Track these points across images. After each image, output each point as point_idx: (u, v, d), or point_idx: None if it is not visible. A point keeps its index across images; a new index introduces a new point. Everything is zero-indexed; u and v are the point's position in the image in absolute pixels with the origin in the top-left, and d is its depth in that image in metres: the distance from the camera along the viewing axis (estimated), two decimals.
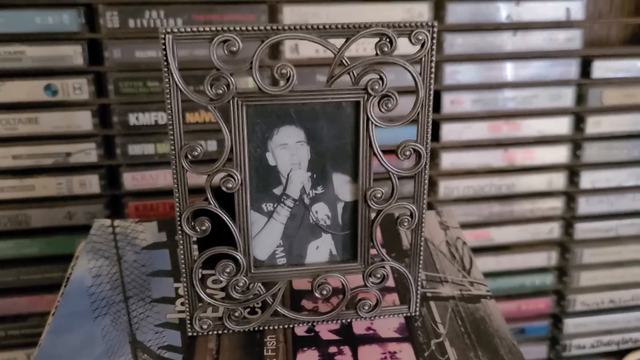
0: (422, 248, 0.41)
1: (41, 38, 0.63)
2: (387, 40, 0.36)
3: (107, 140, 0.67)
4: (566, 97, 0.74)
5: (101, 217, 0.68)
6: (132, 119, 0.66)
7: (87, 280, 0.46)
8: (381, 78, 0.37)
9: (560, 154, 0.76)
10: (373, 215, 0.40)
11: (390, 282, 0.46)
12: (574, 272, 0.82)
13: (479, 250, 0.80)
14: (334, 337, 0.41)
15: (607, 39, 0.82)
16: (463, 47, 0.70)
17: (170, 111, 0.36)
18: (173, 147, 0.37)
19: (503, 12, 0.69)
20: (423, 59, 0.37)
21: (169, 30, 0.35)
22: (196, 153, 0.37)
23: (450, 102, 0.72)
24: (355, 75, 0.37)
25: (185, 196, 0.38)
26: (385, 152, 0.39)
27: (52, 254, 0.69)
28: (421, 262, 0.41)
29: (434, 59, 0.37)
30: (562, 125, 0.75)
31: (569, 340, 0.85)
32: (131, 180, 0.68)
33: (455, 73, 0.71)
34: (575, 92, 0.74)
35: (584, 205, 0.79)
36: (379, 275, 0.41)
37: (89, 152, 0.66)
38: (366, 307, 0.42)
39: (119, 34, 0.63)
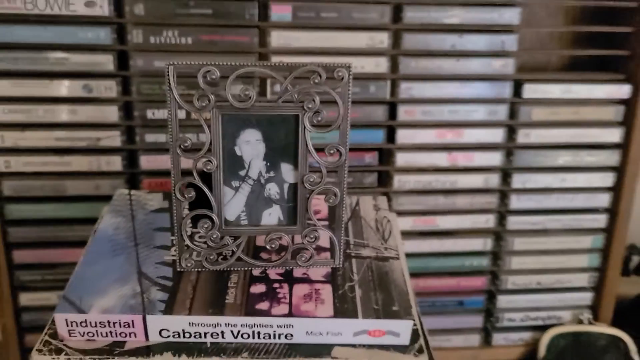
0: (342, 219, 0.58)
1: (81, 48, 0.80)
2: (318, 74, 0.53)
3: (129, 130, 0.85)
4: (501, 112, 0.90)
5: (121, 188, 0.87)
6: (149, 113, 0.83)
7: (110, 231, 0.64)
8: (313, 100, 0.54)
9: (495, 158, 0.91)
10: (308, 193, 0.57)
11: (327, 244, 0.63)
12: (506, 256, 0.97)
13: (427, 234, 0.96)
14: (279, 277, 0.58)
15: (548, 64, 0.98)
16: (416, 69, 0.86)
17: (169, 115, 0.54)
18: (171, 139, 0.54)
19: (449, 42, 0.86)
20: (342, 89, 0.54)
21: (171, 63, 0.52)
22: (187, 144, 0.54)
23: (404, 112, 0.88)
24: (297, 96, 0.54)
25: (179, 173, 0.56)
26: (319, 150, 0.56)
27: (81, 217, 0.87)
28: (342, 229, 0.58)
29: (350, 89, 0.54)
30: (497, 135, 0.91)
31: (501, 314, 1.01)
32: (146, 162, 0.85)
33: (409, 89, 0.87)
34: (509, 108, 0.90)
35: (515, 202, 0.95)
36: (312, 236, 0.58)
37: (114, 138, 0.84)
38: (303, 259, 0.59)
39: (142, 47, 0.81)
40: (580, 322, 1.00)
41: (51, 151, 0.83)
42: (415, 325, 0.54)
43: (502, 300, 0.99)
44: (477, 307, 1.00)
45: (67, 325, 0.53)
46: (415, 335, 0.54)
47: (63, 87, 0.81)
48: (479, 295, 0.99)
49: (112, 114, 0.82)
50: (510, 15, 0.85)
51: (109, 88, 0.81)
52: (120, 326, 0.53)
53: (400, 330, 0.54)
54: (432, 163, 0.90)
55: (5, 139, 0.81)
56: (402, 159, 0.90)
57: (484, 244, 0.96)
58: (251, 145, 0.55)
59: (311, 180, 0.56)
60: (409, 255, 0.92)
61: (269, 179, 0.57)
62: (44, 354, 0.52)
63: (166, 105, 0.53)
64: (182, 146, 0.54)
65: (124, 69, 0.81)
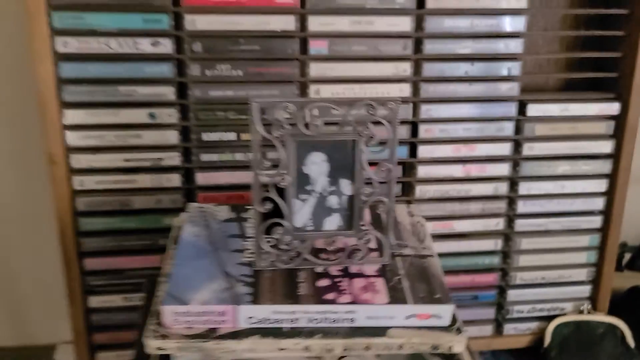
0: (391, 225, 0.70)
1: (147, 81, 0.91)
2: (372, 106, 0.66)
3: (186, 151, 0.96)
4: (508, 129, 1.02)
5: (179, 204, 0.98)
6: (204, 136, 0.95)
7: (191, 239, 0.75)
8: (368, 127, 0.66)
9: (503, 169, 1.03)
10: (362, 203, 0.69)
11: (374, 245, 0.75)
12: (514, 255, 1.08)
13: (444, 236, 1.07)
14: (338, 273, 0.70)
15: (547, 85, 1.11)
16: (434, 93, 0.98)
17: (253, 142, 0.66)
18: (254, 162, 0.66)
19: (462, 69, 0.98)
20: (391, 117, 0.66)
21: (256, 100, 0.64)
22: (266, 165, 0.66)
23: (425, 130, 1.00)
24: (355, 125, 0.66)
25: (259, 189, 0.67)
26: (373, 164, 0.68)
27: (144, 227, 0.97)
28: (391, 233, 0.71)
29: (398, 117, 0.66)
30: (505, 149, 1.02)
31: (511, 306, 1.11)
32: (201, 178, 0.97)
33: (429, 110, 0.99)
34: (515, 125, 1.02)
35: (522, 206, 1.06)
36: (365, 239, 0.71)
37: (174, 158, 0.95)
38: (357, 258, 0.71)
39: (199, 79, 0.93)
40: (581, 312, 1.12)
41: (119, 171, 0.95)
42: (454, 310, 0.67)
43: (512, 294, 1.11)
44: (490, 301, 1.12)
45: (172, 316, 0.64)
46: (454, 318, 0.67)
47: (131, 115, 0.92)
48: (491, 290, 1.11)
49: (172, 137, 0.94)
50: (515, 45, 0.98)
51: (170, 115, 0.93)
52: (215, 315, 0.65)
53: (443, 313, 0.66)
54: (449, 174, 1.03)
55: (81, 161, 0.93)
56: (422, 171, 1.02)
57: (495, 244, 1.08)
58: (317, 165, 0.68)
59: (365, 192, 0.69)
60: None
61: (330, 192, 0.69)
62: (154, 338, 0.64)
63: (251, 136, 0.65)
64: (262, 168, 0.66)
65: (183, 98, 0.93)
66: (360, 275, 0.70)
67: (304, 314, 0.65)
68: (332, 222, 0.71)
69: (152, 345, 0.63)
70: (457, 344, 0.65)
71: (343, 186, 0.69)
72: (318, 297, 0.66)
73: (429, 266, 0.72)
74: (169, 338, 0.64)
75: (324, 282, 0.68)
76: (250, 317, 0.65)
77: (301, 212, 0.69)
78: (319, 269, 0.71)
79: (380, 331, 0.65)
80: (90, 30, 0.87)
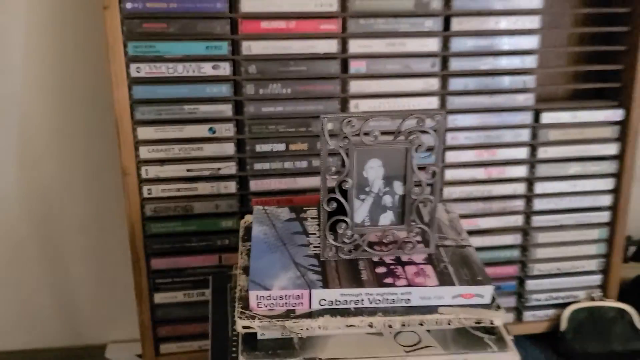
0: (435, 220, 0.82)
1: (208, 100, 1.03)
2: (421, 119, 0.78)
3: (241, 161, 1.08)
4: (525, 135, 1.13)
5: (235, 208, 1.10)
6: (258, 147, 1.07)
7: (261, 236, 0.87)
8: (418, 137, 0.78)
9: (521, 171, 1.15)
10: (413, 202, 0.81)
11: (420, 237, 0.86)
12: (532, 248, 1.19)
13: (470, 232, 1.17)
14: (392, 262, 0.82)
15: (558, 94, 1.23)
16: (459, 105, 1.10)
17: (321, 151, 0.77)
18: (322, 168, 0.78)
19: (484, 83, 1.08)
20: (438, 127, 0.78)
21: (325, 116, 0.76)
22: (332, 170, 0.78)
23: (451, 138, 1.12)
24: (407, 134, 0.78)
25: (326, 190, 0.79)
26: (421, 168, 0.80)
27: (204, 230, 1.08)
28: (434, 226, 0.83)
29: (444, 126, 0.78)
30: (522, 153, 1.14)
31: (529, 295, 1.22)
32: (254, 185, 1.08)
33: (455, 120, 1.10)
34: (531, 132, 1.15)
35: (538, 204, 1.17)
36: (415, 232, 0.82)
37: (230, 168, 1.07)
38: (408, 248, 0.83)
39: (253, 97, 1.04)
40: (593, 299, 1.22)
41: (182, 180, 1.06)
42: (494, 290, 0.78)
43: (530, 284, 1.21)
44: (511, 290, 1.22)
45: (257, 299, 0.76)
46: (493, 297, 0.78)
47: (193, 131, 1.04)
48: (512, 280, 1.21)
49: (229, 149, 1.06)
50: (530, 61, 1.10)
51: (228, 129, 1.05)
52: (293, 298, 0.76)
53: (484, 293, 0.77)
54: (473, 177, 1.14)
55: (149, 172, 1.04)
56: (449, 174, 1.14)
57: (514, 239, 1.18)
58: (374, 170, 0.80)
59: (415, 192, 0.81)
60: None
61: (385, 192, 0.81)
62: (243, 319, 0.75)
63: (320, 146, 0.77)
64: (329, 172, 0.78)
65: (239, 114, 1.05)
66: (411, 263, 0.82)
67: (367, 295, 0.76)
68: (386, 218, 0.82)
69: (240, 324, 0.75)
70: (497, 319, 0.76)
71: (396, 187, 0.81)
72: (378, 281, 0.78)
73: (468, 254, 0.84)
74: (254, 319, 0.75)
75: (381, 270, 0.80)
76: (322, 300, 0.76)
77: (360, 210, 0.81)
78: (376, 259, 0.82)
79: (431, 309, 0.76)
80: (160, 57, 0.99)
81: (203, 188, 1.07)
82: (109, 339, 1.37)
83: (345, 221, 0.80)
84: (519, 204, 1.17)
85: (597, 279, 1.24)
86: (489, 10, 1.06)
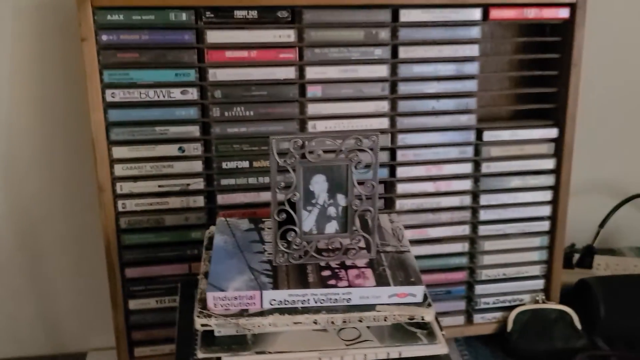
0: (375, 228, 0.93)
1: (177, 122, 1.12)
2: (359, 139, 0.88)
3: (209, 177, 1.18)
4: (469, 151, 1.23)
5: (203, 220, 1.20)
6: (224, 165, 1.17)
7: (221, 244, 0.97)
8: (356, 155, 0.89)
9: (467, 184, 1.24)
10: (354, 212, 0.92)
11: (364, 244, 0.97)
12: (479, 255, 1.27)
13: (421, 242, 1.28)
14: (337, 266, 0.92)
15: (500, 114, 1.35)
16: (408, 125, 1.20)
17: (272, 168, 0.88)
18: (272, 183, 0.88)
19: (430, 105, 1.20)
20: (374, 147, 0.89)
21: (274, 138, 0.86)
22: (282, 185, 0.88)
23: (402, 155, 1.21)
24: (347, 153, 0.89)
25: (276, 203, 0.89)
26: (361, 183, 0.91)
27: (176, 241, 1.16)
28: (374, 234, 0.93)
29: (379, 149, 0.89)
30: (467, 168, 1.23)
31: (478, 299, 1.29)
32: (221, 199, 1.18)
33: (404, 138, 1.20)
34: (474, 149, 1.25)
35: (483, 215, 1.26)
36: (357, 239, 0.93)
37: (199, 184, 1.17)
38: (351, 254, 0.93)
39: (219, 119, 1.14)
40: (537, 301, 1.31)
41: (154, 195, 1.15)
42: (425, 289, 0.88)
43: (479, 289, 1.29)
44: (461, 294, 1.30)
45: (213, 300, 0.86)
46: (425, 296, 0.89)
47: (164, 150, 1.14)
48: (461, 285, 1.29)
49: (197, 166, 1.15)
50: (471, 85, 1.21)
51: (196, 148, 1.14)
52: (246, 299, 0.86)
53: (417, 292, 0.87)
54: (423, 190, 1.24)
55: (123, 188, 1.14)
56: (401, 188, 1.24)
57: (463, 247, 1.27)
58: (319, 184, 0.90)
59: (356, 204, 0.91)
60: None
61: (330, 204, 0.92)
62: (201, 318, 0.85)
63: (269, 164, 0.87)
64: (278, 187, 0.89)
65: (206, 135, 1.15)
66: (354, 267, 0.92)
67: (312, 295, 0.86)
68: (331, 227, 0.93)
69: (199, 322, 0.84)
70: (427, 315, 0.86)
71: (339, 199, 0.92)
72: (323, 283, 0.88)
73: (406, 259, 0.94)
74: (211, 317, 0.85)
75: (326, 273, 0.90)
76: (272, 300, 0.86)
77: (307, 220, 0.92)
78: (322, 264, 0.92)
79: (370, 307, 0.86)
80: (133, 83, 1.09)
81: (173, 202, 1.16)
82: (89, 346, 1.45)
83: (294, 230, 0.91)
84: (466, 214, 1.27)
85: (540, 283, 1.33)
86: (432, 40, 1.17)
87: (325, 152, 0.88)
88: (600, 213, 1.49)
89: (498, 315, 1.33)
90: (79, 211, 1.32)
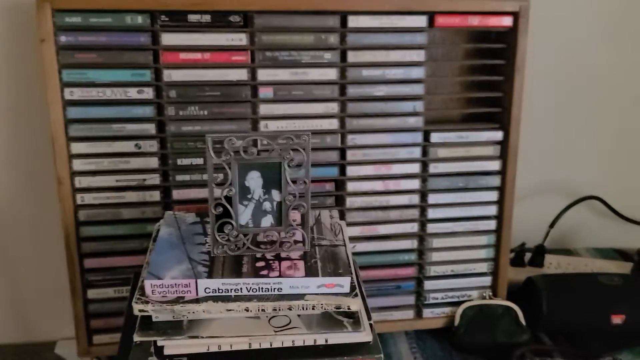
0: (308, 223, 0.98)
1: (134, 120, 1.16)
2: (292, 138, 0.94)
3: (165, 173, 1.24)
4: (417, 152, 1.28)
5: (159, 214, 1.25)
6: (179, 161, 1.22)
7: (166, 236, 1.02)
8: (290, 153, 0.94)
9: (415, 184, 1.30)
10: (288, 207, 0.97)
11: (301, 238, 1.02)
12: (428, 252, 1.32)
13: (371, 238, 1.33)
14: (272, 257, 0.97)
15: (451, 116, 1.40)
16: (357, 126, 1.25)
17: (207, 165, 0.93)
18: (209, 179, 0.94)
19: (379, 107, 1.25)
20: (305, 146, 0.94)
21: (210, 136, 0.92)
22: (218, 181, 0.94)
23: (351, 154, 1.27)
24: (280, 151, 0.94)
25: (213, 197, 0.95)
26: (294, 181, 0.96)
27: (132, 234, 1.21)
28: (307, 229, 0.98)
29: (310, 145, 0.94)
30: (415, 168, 1.28)
31: (427, 294, 1.34)
32: (177, 194, 1.23)
33: (354, 139, 1.25)
34: (422, 149, 1.30)
35: (431, 213, 1.31)
36: (291, 233, 0.98)
37: (155, 179, 1.22)
38: (286, 247, 0.98)
39: (174, 118, 1.20)
40: (484, 297, 1.36)
41: (112, 189, 1.21)
42: (352, 280, 0.94)
43: (428, 284, 1.34)
44: (410, 289, 1.34)
45: (151, 287, 0.91)
46: (352, 286, 0.94)
47: (121, 146, 1.19)
48: (411, 281, 1.34)
49: (153, 162, 1.21)
50: (418, 88, 1.26)
51: (152, 145, 1.20)
52: (182, 287, 0.91)
53: (344, 283, 0.92)
54: (372, 188, 1.29)
55: (82, 182, 1.19)
56: (351, 186, 1.29)
57: (412, 243, 1.32)
58: (254, 180, 0.95)
59: (290, 199, 0.96)
60: (358, 254, 1.30)
61: (265, 199, 0.97)
62: (139, 304, 0.90)
63: (206, 159, 0.93)
64: (215, 183, 0.94)
65: (162, 132, 1.21)
66: (287, 259, 0.97)
67: (244, 284, 0.91)
68: (267, 221, 0.98)
69: (137, 308, 0.90)
70: (353, 304, 0.92)
71: (274, 195, 0.97)
72: (255, 273, 0.93)
73: (338, 252, 1.00)
74: (148, 303, 0.90)
75: (260, 264, 0.96)
76: (207, 288, 0.91)
77: (244, 214, 0.97)
78: (258, 255, 0.98)
79: (299, 297, 0.92)
80: (91, 82, 1.15)
81: (130, 196, 1.21)
82: (59, 336, 1.51)
83: (231, 223, 0.96)
84: (415, 212, 1.32)
85: (487, 280, 1.37)
86: (380, 45, 1.22)
87: (260, 150, 0.94)
88: (552, 214, 1.54)
89: (447, 310, 1.37)
90: (44, 204, 1.37)
